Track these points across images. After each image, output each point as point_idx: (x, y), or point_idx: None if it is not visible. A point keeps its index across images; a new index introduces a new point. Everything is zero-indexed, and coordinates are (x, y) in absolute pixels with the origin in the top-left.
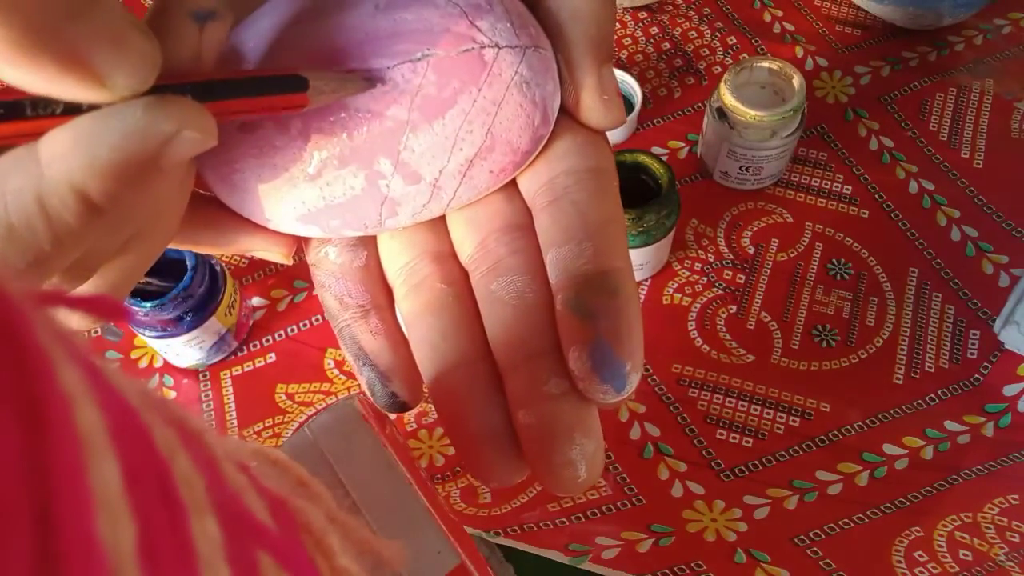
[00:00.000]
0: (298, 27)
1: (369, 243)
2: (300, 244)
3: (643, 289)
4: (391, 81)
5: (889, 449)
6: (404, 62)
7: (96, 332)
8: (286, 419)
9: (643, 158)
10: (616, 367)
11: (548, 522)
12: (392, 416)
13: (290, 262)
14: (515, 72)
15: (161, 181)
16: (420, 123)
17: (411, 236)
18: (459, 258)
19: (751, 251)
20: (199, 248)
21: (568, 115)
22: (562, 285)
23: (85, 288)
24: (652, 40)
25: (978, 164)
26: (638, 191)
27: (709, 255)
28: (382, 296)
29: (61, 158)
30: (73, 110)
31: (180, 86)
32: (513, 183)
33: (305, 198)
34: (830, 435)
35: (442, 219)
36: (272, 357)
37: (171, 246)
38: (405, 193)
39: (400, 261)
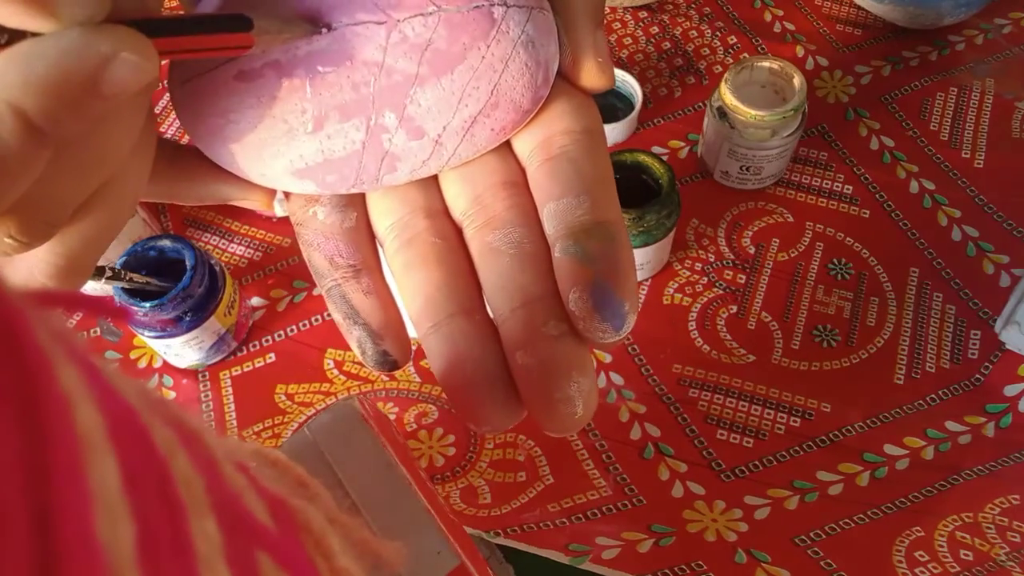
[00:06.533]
0: None
1: (358, 204)
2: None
3: (643, 289)
4: (401, 34)
5: (890, 449)
6: (415, 15)
7: (95, 332)
8: (286, 419)
9: (643, 158)
10: (615, 306)
11: (548, 522)
12: (386, 374)
13: (271, 210)
14: (522, 31)
15: (108, 112)
16: (428, 77)
17: (402, 193)
18: (451, 215)
19: (752, 251)
20: (176, 200)
21: (561, 78)
22: (560, 234)
23: (47, 252)
24: (652, 39)
25: (979, 164)
26: (638, 191)
27: (710, 255)
28: (372, 257)
29: None
30: (18, 38)
31: (124, 21)
32: (506, 143)
33: (304, 152)
34: (831, 435)
35: (433, 178)
36: (272, 357)
37: (149, 199)
38: (407, 149)
39: (391, 218)
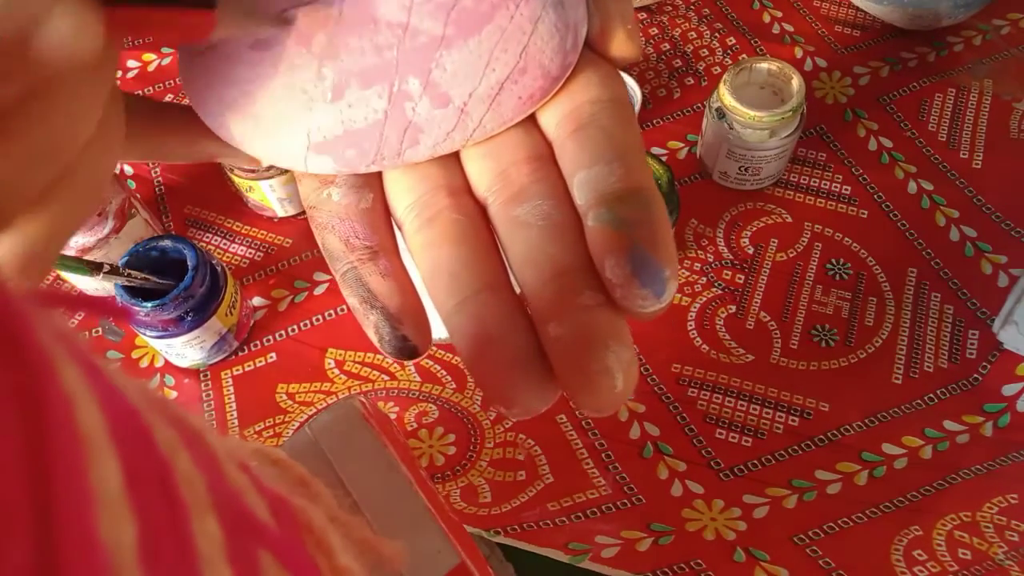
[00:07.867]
0: None
1: (375, 185)
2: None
3: None
4: None
5: (888, 448)
6: None
7: (97, 332)
8: (287, 419)
9: None
10: (655, 271)
11: (548, 521)
12: (406, 362)
13: (264, 164)
14: None
15: (52, 88)
16: (455, 39)
17: (422, 172)
18: (474, 193)
19: (750, 251)
20: (162, 158)
21: (587, 48)
22: (593, 203)
23: (5, 246)
24: (652, 41)
25: (977, 164)
26: None
27: (708, 255)
28: (389, 239)
29: None
30: None
31: None
32: (531, 117)
33: (322, 123)
34: (829, 435)
35: (455, 156)
36: (273, 357)
37: (133, 159)
38: (430, 118)
39: (411, 197)
